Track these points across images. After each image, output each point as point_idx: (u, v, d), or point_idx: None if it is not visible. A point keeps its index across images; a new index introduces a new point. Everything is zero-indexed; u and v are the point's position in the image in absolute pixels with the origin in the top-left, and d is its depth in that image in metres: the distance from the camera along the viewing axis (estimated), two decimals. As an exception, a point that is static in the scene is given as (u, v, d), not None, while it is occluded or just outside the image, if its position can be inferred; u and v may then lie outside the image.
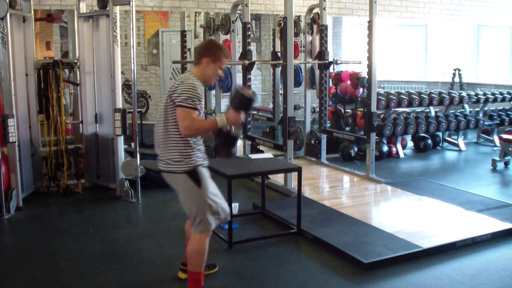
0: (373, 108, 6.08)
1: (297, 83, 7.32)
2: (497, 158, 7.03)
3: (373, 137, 6.16)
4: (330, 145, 7.32)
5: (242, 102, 3.04)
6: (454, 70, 10.70)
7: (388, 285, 3.51)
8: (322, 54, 6.88)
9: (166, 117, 3.03)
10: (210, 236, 3.19)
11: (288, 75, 5.64)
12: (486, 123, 8.48)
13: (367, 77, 6.24)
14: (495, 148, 8.28)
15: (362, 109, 7.37)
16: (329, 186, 6.19)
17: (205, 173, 3.13)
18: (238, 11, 6.73)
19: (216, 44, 3.21)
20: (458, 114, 8.29)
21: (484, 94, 8.61)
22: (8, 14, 4.90)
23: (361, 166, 6.84)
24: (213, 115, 7.98)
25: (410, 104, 7.59)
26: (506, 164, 7.04)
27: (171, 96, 2.99)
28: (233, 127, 3.06)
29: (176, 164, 3.03)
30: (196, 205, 3.08)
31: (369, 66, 6.03)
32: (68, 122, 6.10)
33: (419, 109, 8.67)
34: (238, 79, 7.35)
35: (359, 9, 8.25)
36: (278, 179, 5.99)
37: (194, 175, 3.04)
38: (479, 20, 9.86)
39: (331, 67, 7.20)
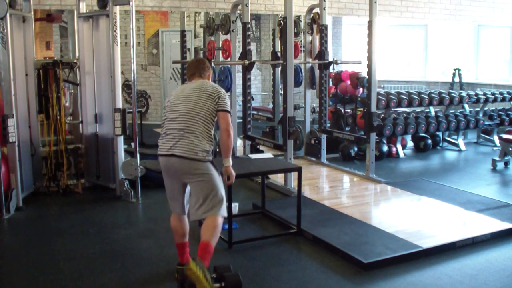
0: (373, 108, 6.08)
1: (297, 83, 7.31)
2: (497, 158, 7.03)
3: (373, 137, 6.16)
4: (330, 145, 7.32)
5: None
6: (454, 70, 10.69)
7: (388, 285, 3.51)
8: (322, 54, 6.87)
9: (206, 112, 3.33)
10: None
11: (288, 75, 5.64)
12: (486, 123, 8.48)
13: (367, 77, 6.24)
14: (495, 148, 8.28)
15: (362, 109, 7.37)
16: (329, 186, 6.19)
17: None
18: (238, 11, 6.72)
19: (209, 62, 3.79)
20: (458, 114, 8.29)
21: (484, 94, 8.61)
22: (8, 14, 4.90)
23: (361, 166, 6.84)
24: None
25: (410, 104, 7.59)
26: (506, 164, 7.04)
27: (215, 98, 3.36)
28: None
29: (205, 154, 3.31)
30: (221, 188, 3.39)
31: (369, 66, 6.03)
32: (67, 122, 6.09)
33: (419, 109, 8.66)
34: (238, 79, 7.35)
35: (359, 9, 8.25)
36: (278, 179, 5.99)
37: (214, 163, 3.42)
38: (479, 20, 9.86)
39: (331, 67, 7.19)
